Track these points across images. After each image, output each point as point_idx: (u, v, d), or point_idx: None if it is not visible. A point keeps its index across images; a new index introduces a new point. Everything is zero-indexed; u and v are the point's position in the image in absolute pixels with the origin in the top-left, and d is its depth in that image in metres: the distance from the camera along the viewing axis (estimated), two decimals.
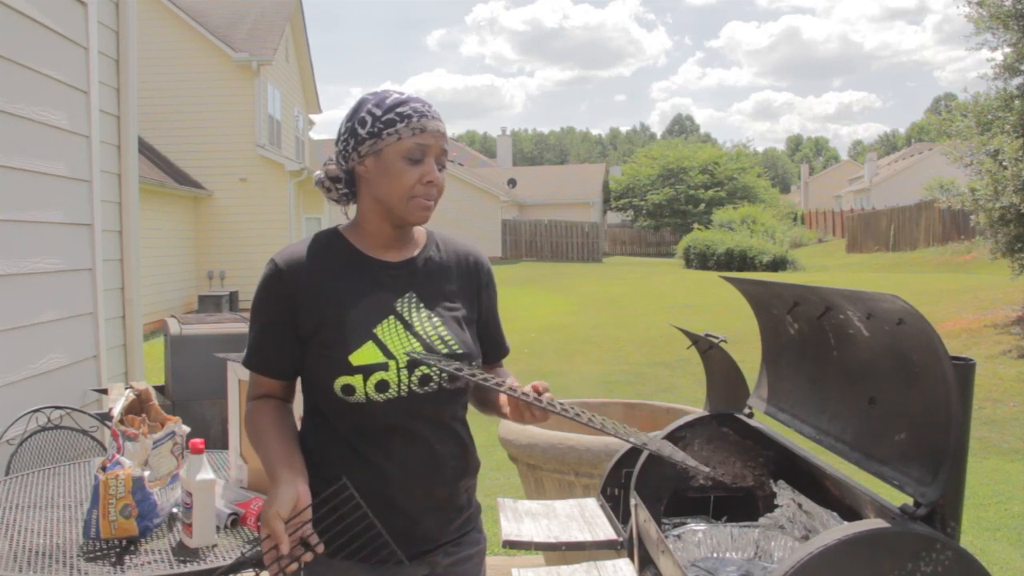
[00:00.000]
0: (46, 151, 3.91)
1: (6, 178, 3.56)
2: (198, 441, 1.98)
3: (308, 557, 1.26)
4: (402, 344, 1.42)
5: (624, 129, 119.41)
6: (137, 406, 2.45)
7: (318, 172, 1.54)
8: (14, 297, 3.62)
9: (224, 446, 2.72)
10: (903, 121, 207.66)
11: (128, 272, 4.83)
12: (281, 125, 18.15)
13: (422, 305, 1.48)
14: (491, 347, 1.60)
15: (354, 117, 1.46)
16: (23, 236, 3.70)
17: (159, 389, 3.95)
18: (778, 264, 21.91)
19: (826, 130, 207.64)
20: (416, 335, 1.44)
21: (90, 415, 3.53)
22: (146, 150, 14.30)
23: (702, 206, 33.36)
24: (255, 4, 18.36)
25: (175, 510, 2.14)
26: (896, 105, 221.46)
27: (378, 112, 1.43)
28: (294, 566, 1.24)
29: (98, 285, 4.39)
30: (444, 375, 1.43)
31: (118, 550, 1.97)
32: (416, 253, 1.53)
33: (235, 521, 2.12)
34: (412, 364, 1.41)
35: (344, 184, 1.50)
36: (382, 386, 1.40)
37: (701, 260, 23.77)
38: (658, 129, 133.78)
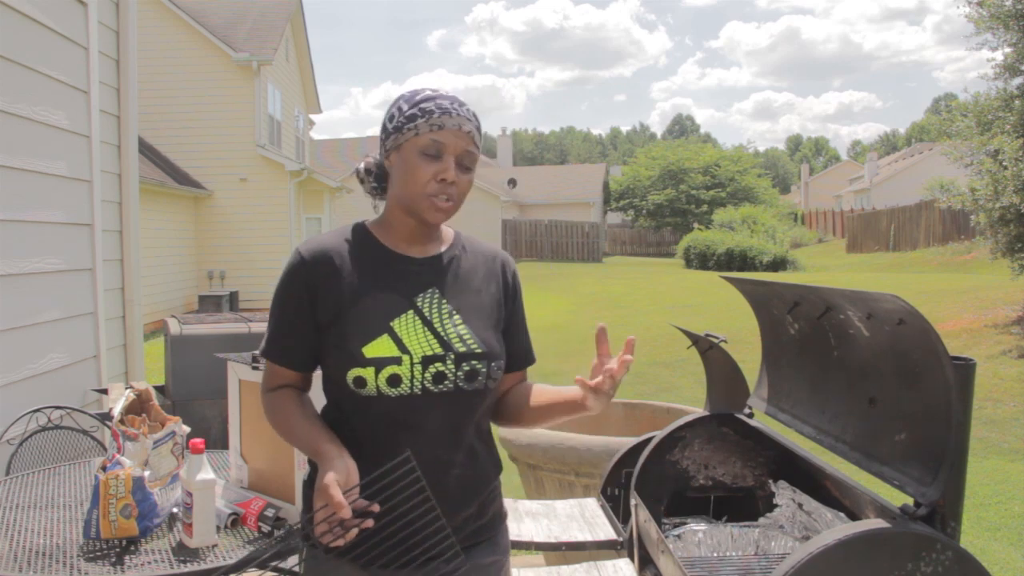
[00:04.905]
0: (46, 151, 3.91)
1: (6, 178, 3.56)
2: (198, 441, 1.98)
3: (369, 523, 1.26)
4: (418, 340, 1.40)
5: (624, 129, 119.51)
6: (137, 406, 2.44)
7: (359, 164, 1.56)
8: (14, 297, 3.62)
9: (224, 446, 2.72)
10: (903, 121, 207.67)
11: (128, 272, 4.83)
12: (281, 125, 18.15)
13: (444, 302, 1.45)
14: (516, 354, 1.57)
15: (387, 112, 1.46)
16: (23, 236, 3.70)
17: (159, 389, 3.95)
18: (778, 264, 21.91)
19: (826, 130, 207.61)
20: (434, 332, 1.41)
21: (90, 415, 3.53)
22: (146, 150, 14.30)
23: (704, 207, 33.35)
24: (255, 4, 18.37)
25: (175, 510, 2.14)
26: (896, 105, 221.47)
27: (405, 108, 1.43)
28: (354, 532, 1.25)
29: (98, 285, 4.39)
30: (460, 374, 1.40)
31: (118, 550, 1.96)
32: (442, 250, 1.51)
33: (235, 521, 2.12)
34: (426, 360, 1.38)
35: (375, 178, 1.52)
36: (394, 380, 1.37)
37: (701, 260, 23.76)
38: (658, 129, 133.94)
